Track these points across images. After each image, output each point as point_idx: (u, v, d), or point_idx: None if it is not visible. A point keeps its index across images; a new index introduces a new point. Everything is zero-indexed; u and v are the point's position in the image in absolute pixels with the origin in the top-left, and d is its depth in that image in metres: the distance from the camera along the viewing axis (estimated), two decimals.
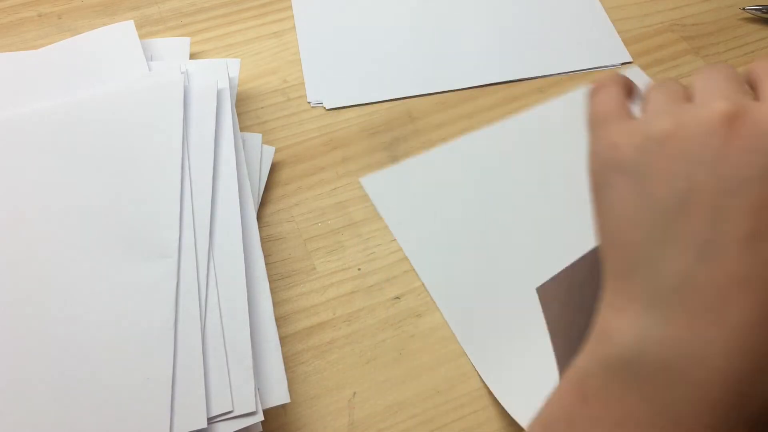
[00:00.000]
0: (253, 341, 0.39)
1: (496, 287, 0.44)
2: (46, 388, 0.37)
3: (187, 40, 0.56)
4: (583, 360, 0.24)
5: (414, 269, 0.45)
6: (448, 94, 0.56)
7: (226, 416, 0.36)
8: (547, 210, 0.47)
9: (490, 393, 0.41)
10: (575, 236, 0.44)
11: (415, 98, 0.55)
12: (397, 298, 0.45)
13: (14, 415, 0.36)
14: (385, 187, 0.48)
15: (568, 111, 0.52)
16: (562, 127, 0.51)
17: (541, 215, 0.47)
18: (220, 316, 0.39)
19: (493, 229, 0.47)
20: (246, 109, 0.55)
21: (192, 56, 0.56)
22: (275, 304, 0.43)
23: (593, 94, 0.29)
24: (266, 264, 0.43)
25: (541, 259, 0.43)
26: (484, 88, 0.56)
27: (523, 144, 0.51)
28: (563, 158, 0.49)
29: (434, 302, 0.44)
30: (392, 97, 0.55)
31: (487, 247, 0.46)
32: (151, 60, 0.53)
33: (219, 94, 0.48)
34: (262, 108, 0.55)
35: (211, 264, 0.41)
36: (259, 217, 0.48)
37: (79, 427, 0.36)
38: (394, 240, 0.47)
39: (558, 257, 0.42)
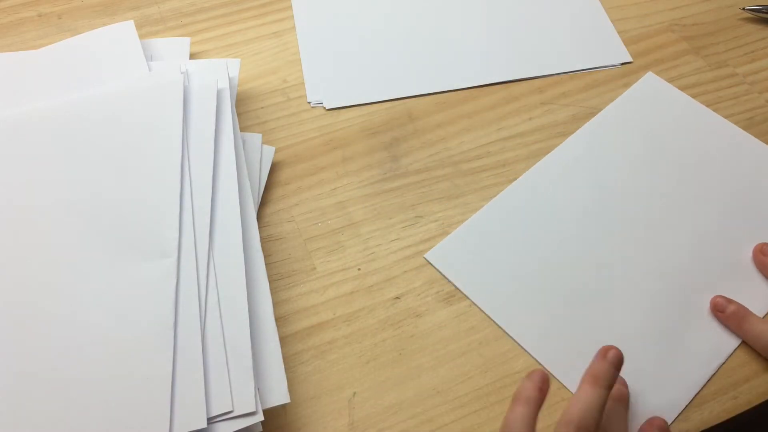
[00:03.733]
0: (253, 341, 0.39)
1: (596, 331, 0.43)
2: (46, 388, 0.37)
3: (187, 40, 0.56)
4: None
5: (490, 317, 0.44)
6: (448, 94, 0.56)
7: (226, 416, 0.36)
8: (619, 235, 0.47)
9: (491, 393, 0.41)
10: (658, 261, 0.46)
11: (415, 98, 0.55)
12: (397, 298, 0.45)
13: (15, 414, 0.36)
14: (452, 256, 0.46)
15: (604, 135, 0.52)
16: (611, 144, 0.51)
17: (614, 244, 0.46)
18: (220, 316, 0.39)
19: (573, 270, 0.45)
20: (246, 109, 0.55)
21: (192, 56, 0.56)
22: (275, 304, 0.43)
23: (513, 404, 0.36)
24: (266, 264, 0.43)
25: (630, 292, 0.45)
26: (484, 88, 0.56)
27: (572, 175, 0.50)
28: (620, 176, 0.50)
29: (436, 301, 0.44)
30: (392, 97, 0.55)
31: (571, 290, 0.45)
32: (151, 60, 0.53)
33: (219, 94, 0.48)
34: (262, 108, 0.55)
35: (211, 264, 0.41)
36: (259, 217, 0.48)
37: (79, 427, 0.36)
38: (395, 240, 0.47)
39: (644, 288, 0.44)
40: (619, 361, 0.37)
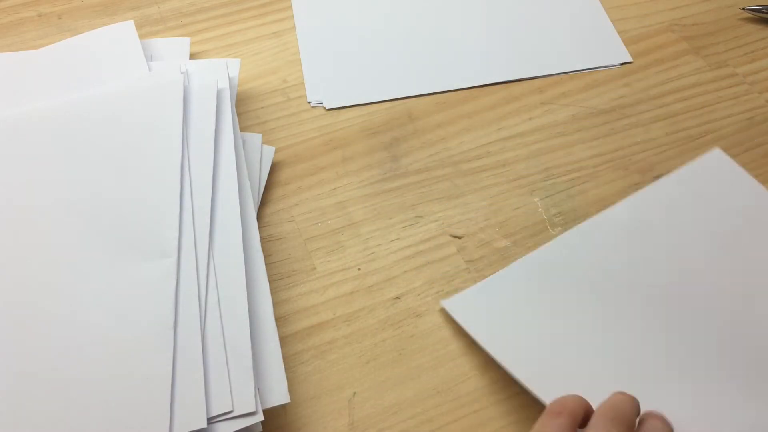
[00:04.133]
0: (253, 341, 0.39)
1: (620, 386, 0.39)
2: (46, 388, 0.37)
3: (187, 40, 0.56)
4: None
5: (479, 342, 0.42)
6: (448, 94, 0.56)
7: (226, 416, 0.36)
8: (637, 308, 0.43)
9: (491, 393, 0.41)
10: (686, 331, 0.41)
11: (415, 98, 0.55)
12: (397, 298, 0.45)
13: (15, 414, 0.36)
14: (472, 308, 0.43)
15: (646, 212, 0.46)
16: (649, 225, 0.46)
17: (630, 316, 0.42)
18: (220, 316, 0.39)
19: (596, 334, 0.42)
20: (246, 109, 0.55)
21: (192, 56, 0.56)
22: (275, 304, 0.43)
23: (548, 416, 0.34)
24: (266, 264, 0.43)
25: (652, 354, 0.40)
26: (484, 88, 0.56)
27: (614, 245, 0.45)
28: (663, 256, 0.45)
29: (437, 304, 0.44)
30: (392, 97, 0.55)
31: (594, 349, 0.41)
32: (151, 60, 0.53)
33: (219, 94, 0.48)
34: (262, 108, 0.55)
35: (211, 264, 0.41)
36: (259, 217, 0.48)
37: (80, 427, 0.36)
38: (395, 240, 0.47)
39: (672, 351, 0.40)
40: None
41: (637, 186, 0.49)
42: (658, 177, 0.48)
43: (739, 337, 0.41)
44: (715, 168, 0.48)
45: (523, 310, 0.43)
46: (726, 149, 0.51)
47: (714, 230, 0.46)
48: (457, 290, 0.45)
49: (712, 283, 0.44)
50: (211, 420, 0.36)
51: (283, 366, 0.39)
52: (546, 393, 0.38)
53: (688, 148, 0.52)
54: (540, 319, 0.42)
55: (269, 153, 0.51)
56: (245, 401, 0.36)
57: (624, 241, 0.45)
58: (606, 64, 0.57)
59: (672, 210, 0.47)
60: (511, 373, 0.40)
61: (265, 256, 0.44)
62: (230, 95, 0.49)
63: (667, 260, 0.45)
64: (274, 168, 0.51)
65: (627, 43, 0.59)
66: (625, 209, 0.46)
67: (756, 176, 0.50)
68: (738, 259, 0.44)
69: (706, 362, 0.40)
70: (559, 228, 0.48)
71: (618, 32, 0.60)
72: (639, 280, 0.44)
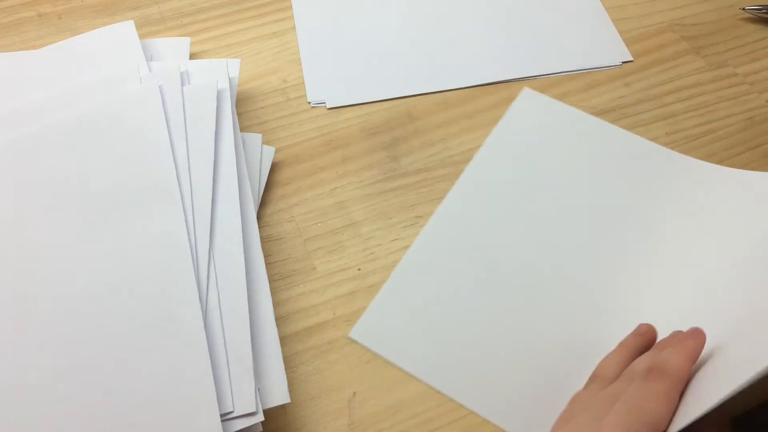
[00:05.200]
0: (253, 341, 0.39)
1: (539, 371, 0.41)
2: (49, 387, 0.37)
3: (187, 40, 0.56)
4: None
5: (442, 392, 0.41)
6: (448, 93, 0.56)
7: (226, 416, 0.36)
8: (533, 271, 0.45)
9: None
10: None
11: (415, 98, 0.55)
12: None
13: (15, 415, 0.36)
14: (376, 329, 0.43)
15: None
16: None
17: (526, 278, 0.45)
18: (221, 316, 0.39)
19: (497, 316, 0.43)
20: (246, 109, 0.55)
21: (192, 56, 0.56)
22: (275, 304, 0.43)
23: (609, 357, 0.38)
24: (266, 264, 0.43)
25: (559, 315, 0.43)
26: (484, 87, 0.56)
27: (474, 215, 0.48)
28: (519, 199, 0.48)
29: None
30: (392, 97, 0.55)
31: (498, 332, 0.43)
32: (151, 60, 0.53)
33: (219, 94, 0.48)
34: (262, 108, 0.55)
35: (211, 264, 0.41)
36: (259, 217, 0.48)
37: (82, 428, 0.36)
38: (395, 240, 0.47)
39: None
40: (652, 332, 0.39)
41: None
42: None
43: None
44: (529, 104, 0.53)
45: (418, 314, 0.44)
46: (726, 149, 0.51)
47: (551, 160, 0.50)
48: None
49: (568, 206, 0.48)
50: None
51: (283, 366, 0.39)
52: (469, 399, 0.40)
53: (688, 148, 0.52)
54: (436, 318, 0.43)
55: (269, 153, 0.51)
56: (245, 401, 0.37)
57: (480, 209, 0.48)
58: (606, 64, 0.57)
59: (509, 157, 0.50)
60: (433, 387, 0.41)
61: (265, 256, 0.44)
62: (230, 95, 0.49)
63: (527, 209, 0.48)
64: (274, 168, 0.51)
65: (627, 42, 0.59)
66: (468, 177, 0.50)
67: None
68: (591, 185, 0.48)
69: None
70: None
71: (618, 32, 0.60)
72: (506, 242, 0.46)
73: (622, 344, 0.39)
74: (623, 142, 0.51)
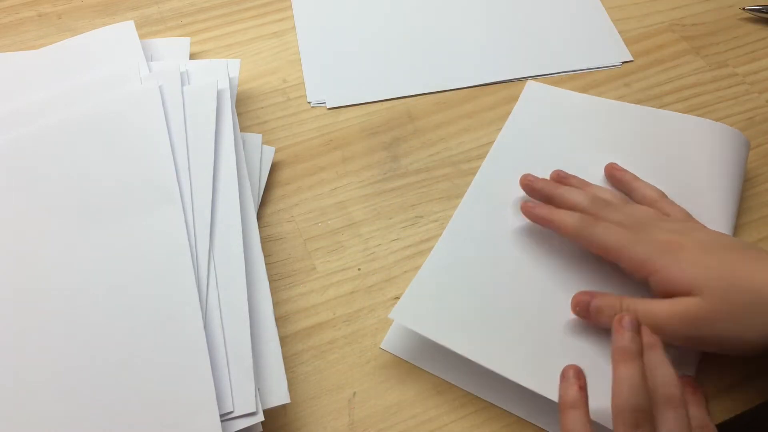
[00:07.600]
0: (253, 341, 0.39)
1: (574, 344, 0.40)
2: (49, 387, 0.37)
3: (187, 40, 0.56)
4: None
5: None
6: (448, 93, 0.56)
7: (226, 416, 0.36)
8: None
9: None
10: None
11: (415, 98, 0.55)
12: (397, 298, 0.45)
13: (15, 414, 0.36)
14: (418, 309, 0.42)
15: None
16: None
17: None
18: (220, 316, 0.39)
19: (539, 291, 0.43)
20: (246, 109, 0.55)
21: (192, 56, 0.56)
22: (275, 304, 0.43)
23: (563, 412, 0.35)
24: (266, 264, 0.43)
25: None
26: (484, 87, 0.56)
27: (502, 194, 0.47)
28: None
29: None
30: (392, 97, 0.55)
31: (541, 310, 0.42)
32: (151, 60, 0.53)
33: (219, 95, 0.48)
34: (262, 108, 0.55)
35: (211, 264, 0.41)
36: (259, 217, 0.48)
37: (82, 428, 0.36)
38: (395, 240, 0.47)
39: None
40: (635, 325, 0.37)
41: None
42: None
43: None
44: (541, 96, 0.54)
45: (464, 291, 0.43)
46: None
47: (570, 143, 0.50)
48: None
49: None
50: None
51: (283, 366, 0.39)
52: (526, 379, 0.38)
53: None
54: (483, 295, 0.42)
55: (269, 153, 0.51)
56: (245, 401, 0.37)
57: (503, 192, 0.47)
58: (606, 64, 0.57)
59: (517, 153, 0.50)
60: (490, 369, 0.39)
61: (265, 256, 0.44)
62: (230, 95, 0.49)
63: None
64: (274, 168, 0.51)
65: (627, 43, 0.59)
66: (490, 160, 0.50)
67: (756, 176, 0.50)
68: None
69: None
70: None
71: (618, 32, 0.60)
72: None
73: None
74: (642, 116, 0.51)
